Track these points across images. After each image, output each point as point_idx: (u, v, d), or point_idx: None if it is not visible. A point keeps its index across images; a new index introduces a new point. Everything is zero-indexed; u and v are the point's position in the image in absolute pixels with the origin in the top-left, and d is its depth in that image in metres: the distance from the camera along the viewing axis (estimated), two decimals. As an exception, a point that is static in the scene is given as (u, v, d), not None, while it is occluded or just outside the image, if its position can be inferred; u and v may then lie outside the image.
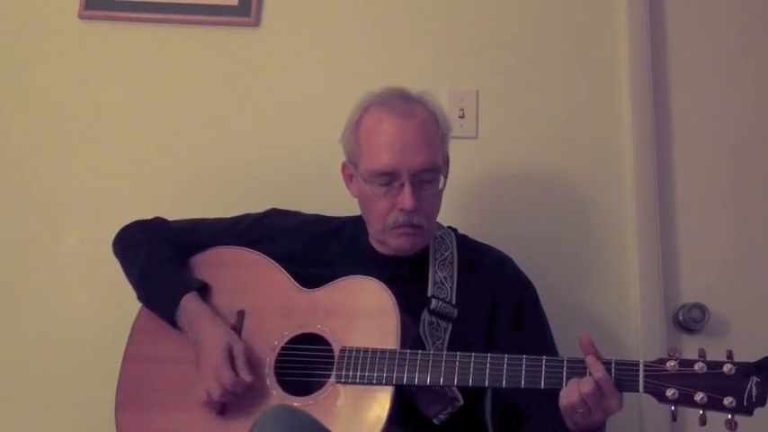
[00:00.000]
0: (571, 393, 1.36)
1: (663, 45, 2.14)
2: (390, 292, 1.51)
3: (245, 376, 1.50)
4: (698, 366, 1.32)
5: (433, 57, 2.13)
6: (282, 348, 1.56)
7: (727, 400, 1.28)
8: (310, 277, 1.61)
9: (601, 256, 2.04)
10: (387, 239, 1.65)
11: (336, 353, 1.51)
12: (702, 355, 1.34)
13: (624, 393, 1.36)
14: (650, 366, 1.34)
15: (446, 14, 2.15)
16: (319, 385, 1.50)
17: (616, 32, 2.13)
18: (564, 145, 2.09)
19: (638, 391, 1.34)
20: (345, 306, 1.55)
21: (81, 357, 1.99)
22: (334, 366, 1.50)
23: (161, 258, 1.69)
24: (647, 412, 1.91)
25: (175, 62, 2.15)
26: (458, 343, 1.58)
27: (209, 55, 2.15)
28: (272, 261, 1.66)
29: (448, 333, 1.60)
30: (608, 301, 2.01)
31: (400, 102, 1.63)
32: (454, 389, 1.50)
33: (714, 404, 1.29)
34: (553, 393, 1.40)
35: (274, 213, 1.80)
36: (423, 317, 1.60)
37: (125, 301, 1.69)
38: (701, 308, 1.98)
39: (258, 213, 1.80)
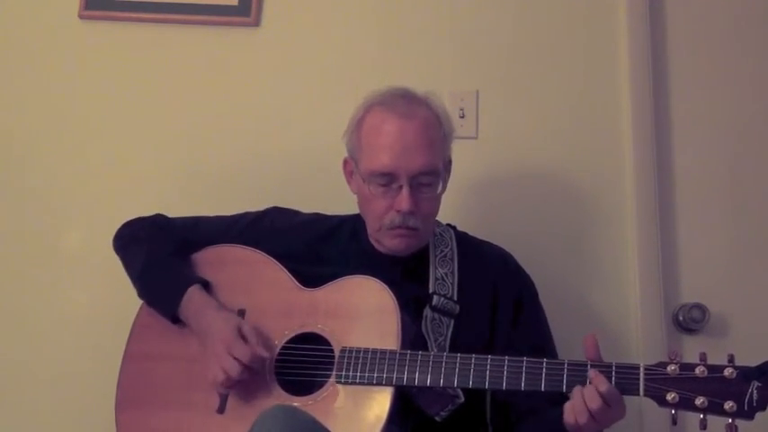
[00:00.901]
0: (579, 412, 1.35)
1: (663, 45, 2.14)
2: (391, 291, 1.51)
3: (261, 351, 1.49)
4: (699, 370, 1.31)
5: (434, 57, 2.13)
6: (282, 348, 1.56)
7: (728, 405, 1.28)
8: (310, 276, 1.61)
9: (601, 256, 2.04)
10: (382, 239, 1.65)
11: (336, 353, 1.51)
12: (703, 358, 1.33)
13: (625, 397, 1.36)
14: (651, 370, 1.34)
15: (446, 15, 2.15)
16: (319, 385, 1.50)
17: (616, 32, 2.13)
18: (564, 145, 2.09)
19: (638, 394, 1.34)
20: (346, 306, 1.55)
21: (81, 356, 1.99)
22: (335, 366, 1.49)
23: (162, 255, 1.69)
24: (647, 416, 1.90)
25: (175, 62, 2.15)
26: (460, 339, 1.58)
27: (209, 55, 2.15)
28: (273, 260, 1.66)
29: (450, 329, 1.60)
30: (608, 301, 2.01)
31: (403, 102, 1.63)
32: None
33: (715, 408, 1.29)
34: (551, 392, 1.40)
35: (275, 212, 1.80)
36: (425, 313, 1.60)
37: (125, 301, 1.69)
38: (701, 308, 1.98)
39: (258, 212, 1.80)
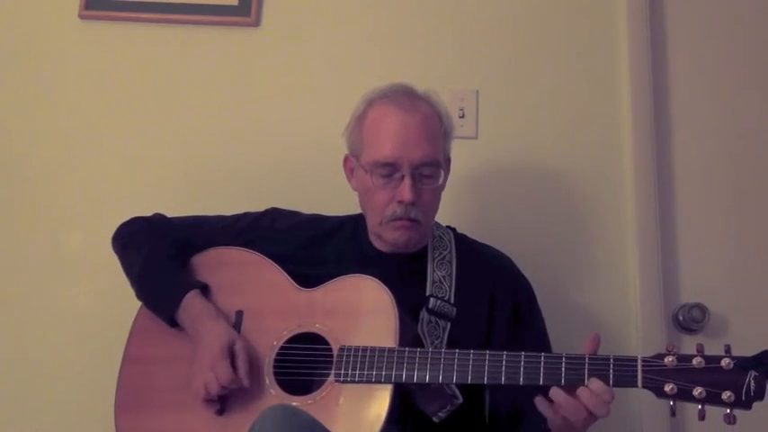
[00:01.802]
0: (576, 411, 1.36)
1: (663, 45, 2.14)
2: (389, 290, 1.51)
3: (243, 376, 1.50)
4: (696, 361, 1.32)
5: (434, 56, 2.14)
6: (281, 348, 1.56)
7: (726, 395, 1.28)
8: (309, 277, 1.61)
9: (601, 256, 2.04)
10: (383, 233, 1.65)
11: (335, 352, 1.51)
12: (700, 349, 1.34)
13: (623, 389, 1.36)
14: (648, 362, 1.34)
15: (446, 14, 2.16)
16: (318, 384, 1.50)
17: (616, 33, 2.14)
18: (564, 145, 2.09)
19: (636, 386, 1.34)
20: (344, 305, 1.55)
21: (81, 358, 1.99)
22: (333, 365, 1.49)
23: (161, 257, 1.69)
24: (646, 407, 1.90)
25: (175, 62, 2.16)
26: (456, 342, 1.57)
27: (209, 55, 2.15)
28: (271, 261, 1.66)
29: (446, 332, 1.60)
30: (608, 301, 2.01)
31: (405, 97, 1.65)
32: (453, 387, 1.50)
33: (713, 399, 1.29)
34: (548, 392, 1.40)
35: (274, 213, 1.80)
36: (421, 316, 1.60)
37: (125, 301, 1.69)
38: (701, 308, 1.98)
39: (258, 212, 1.80)
